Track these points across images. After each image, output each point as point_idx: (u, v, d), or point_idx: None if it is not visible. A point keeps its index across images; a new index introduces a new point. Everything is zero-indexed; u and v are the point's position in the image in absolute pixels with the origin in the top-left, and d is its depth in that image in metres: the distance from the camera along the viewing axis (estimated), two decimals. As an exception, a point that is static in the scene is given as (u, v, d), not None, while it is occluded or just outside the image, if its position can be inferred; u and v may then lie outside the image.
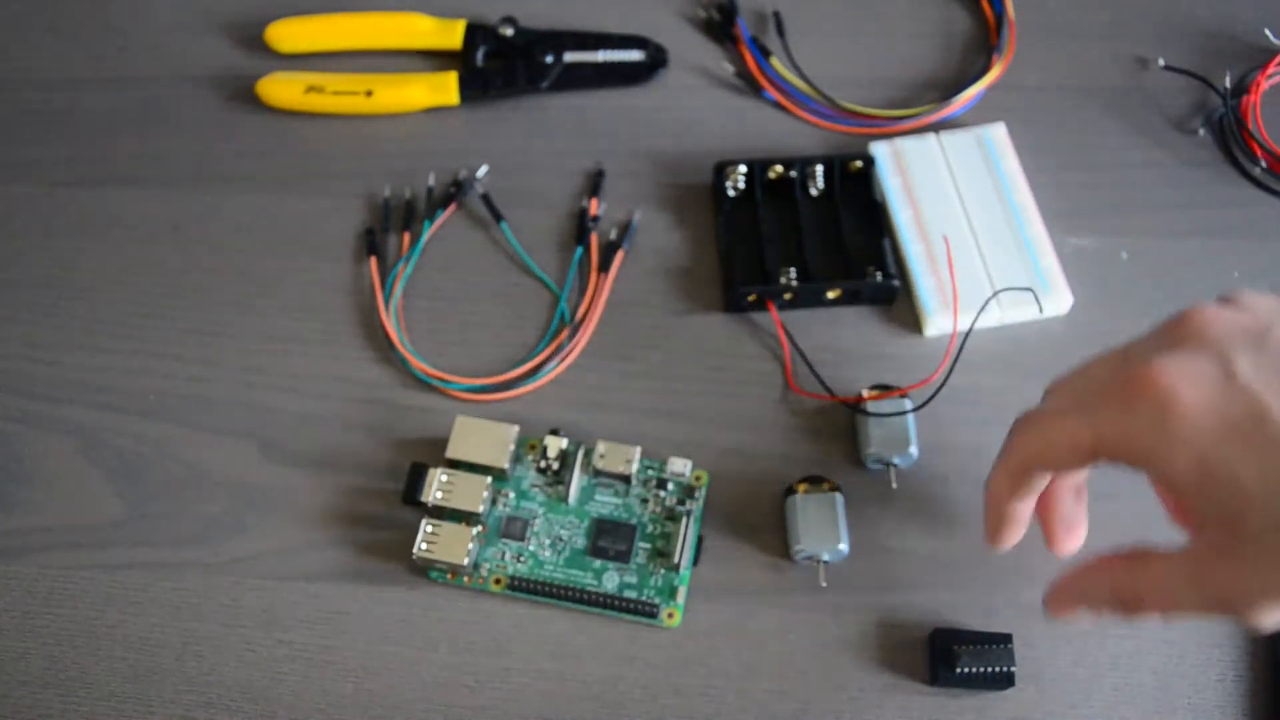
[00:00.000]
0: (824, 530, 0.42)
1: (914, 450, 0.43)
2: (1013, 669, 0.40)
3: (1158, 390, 0.30)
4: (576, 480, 0.44)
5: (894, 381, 0.45)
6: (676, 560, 0.42)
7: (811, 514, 0.42)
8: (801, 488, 0.43)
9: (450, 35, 0.55)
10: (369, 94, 0.53)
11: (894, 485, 0.44)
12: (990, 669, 0.40)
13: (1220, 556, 0.30)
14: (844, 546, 0.42)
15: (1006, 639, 0.40)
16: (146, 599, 0.43)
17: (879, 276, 0.47)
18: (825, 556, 0.42)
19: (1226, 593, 0.30)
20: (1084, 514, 0.38)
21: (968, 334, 0.46)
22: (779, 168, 0.49)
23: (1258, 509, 0.29)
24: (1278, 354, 0.30)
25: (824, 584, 0.42)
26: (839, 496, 0.42)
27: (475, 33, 0.54)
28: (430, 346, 0.48)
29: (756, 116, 0.54)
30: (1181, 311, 0.32)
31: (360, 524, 0.44)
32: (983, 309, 0.46)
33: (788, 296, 0.47)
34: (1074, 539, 0.38)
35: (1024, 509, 0.36)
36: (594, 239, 0.50)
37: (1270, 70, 0.53)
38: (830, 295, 0.48)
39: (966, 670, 0.40)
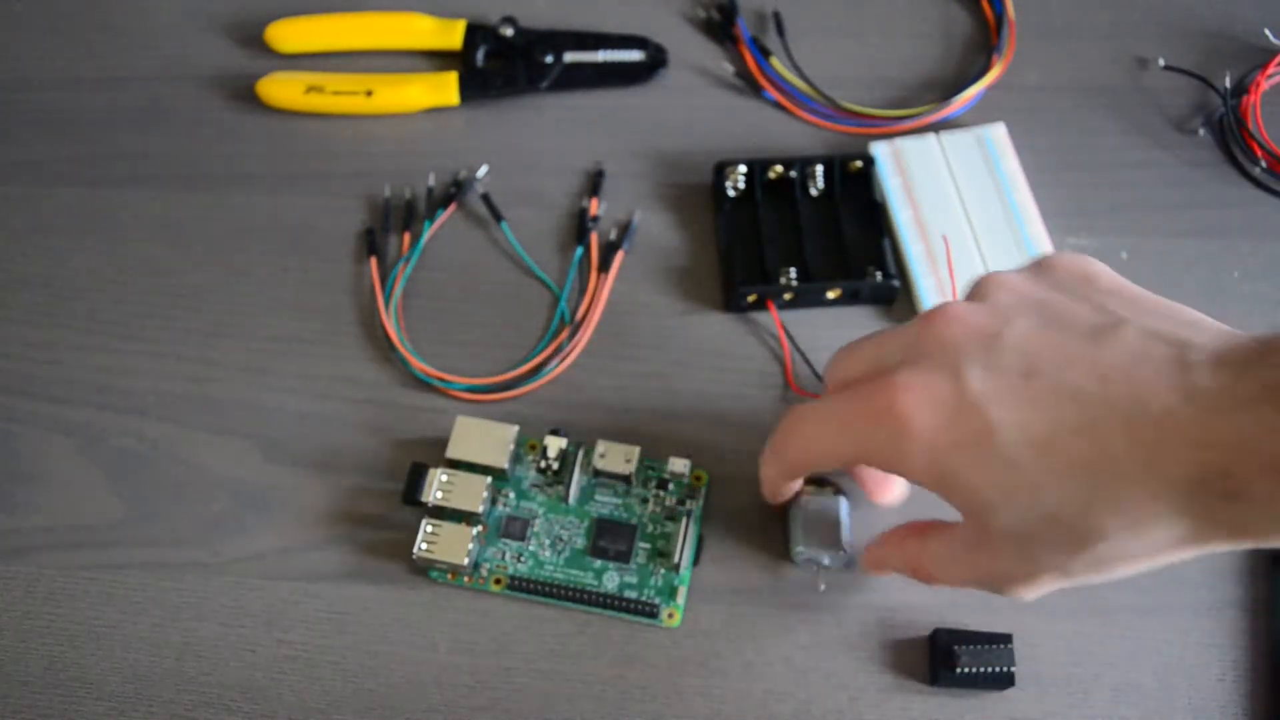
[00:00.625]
0: (826, 534, 0.41)
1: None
2: (1013, 669, 0.40)
3: (894, 413, 0.32)
4: (576, 480, 0.44)
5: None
6: (677, 560, 0.42)
7: (814, 517, 0.42)
8: (806, 490, 0.42)
9: (450, 35, 0.55)
10: (369, 94, 0.53)
11: (894, 485, 0.44)
12: (990, 669, 0.40)
13: (976, 545, 0.33)
14: (846, 551, 0.41)
15: (1006, 639, 0.40)
16: (146, 599, 0.43)
17: (879, 276, 0.47)
18: (825, 561, 0.42)
19: (987, 575, 0.33)
20: None
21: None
22: (779, 168, 0.49)
23: (995, 513, 0.31)
24: (1008, 358, 0.31)
25: (822, 588, 0.42)
26: (843, 500, 0.42)
27: (475, 33, 0.54)
28: (430, 346, 0.48)
29: (756, 116, 0.54)
30: (933, 309, 0.33)
31: (360, 524, 0.44)
32: (983, 309, 0.46)
33: (788, 296, 0.47)
34: (888, 492, 0.41)
35: (795, 485, 0.41)
36: (594, 239, 0.50)
37: (1270, 70, 0.53)
38: (830, 295, 0.48)
39: (966, 670, 0.40)
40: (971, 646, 0.40)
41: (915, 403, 0.31)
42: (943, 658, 0.40)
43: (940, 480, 0.32)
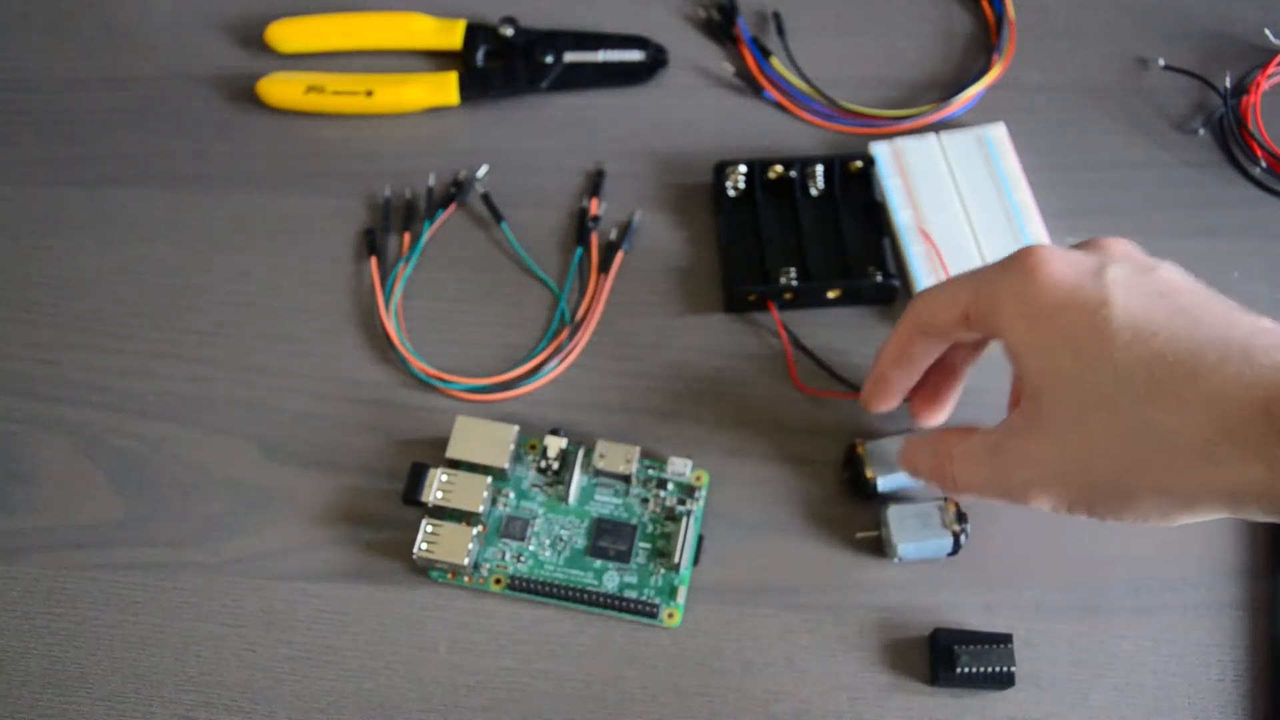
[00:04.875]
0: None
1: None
2: (1013, 669, 0.40)
3: (1032, 259, 0.33)
4: (576, 480, 0.44)
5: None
6: (677, 560, 0.42)
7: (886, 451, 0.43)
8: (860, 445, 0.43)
9: (450, 35, 0.55)
10: (369, 94, 0.53)
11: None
12: (990, 669, 0.40)
13: (1017, 432, 0.34)
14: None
15: (1006, 639, 0.40)
16: (146, 599, 0.43)
17: (879, 276, 0.47)
18: (902, 481, 0.43)
19: (1018, 465, 0.34)
20: (951, 395, 0.42)
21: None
22: (779, 168, 0.49)
23: (1062, 387, 0.32)
24: (1156, 284, 0.32)
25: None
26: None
27: (475, 33, 0.54)
28: (430, 346, 0.48)
29: (756, 116, 0.54)
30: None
31: (360, 524, 0.44)
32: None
33: (788, 296, 0.47)
34: (933, 413, 0.42)
35: (901, 378, 0.40)
36: (594, 239, 0.50)
37: (1270, 70, 0.53)
38: (830, 295, 0.48)
39: (966, 670, 0.40)
40: (971, 646, 0.40)
41: (1055, 260, 0.33)
42: (943, 658, 0.40)
43: (1031, 334, 0.33)
